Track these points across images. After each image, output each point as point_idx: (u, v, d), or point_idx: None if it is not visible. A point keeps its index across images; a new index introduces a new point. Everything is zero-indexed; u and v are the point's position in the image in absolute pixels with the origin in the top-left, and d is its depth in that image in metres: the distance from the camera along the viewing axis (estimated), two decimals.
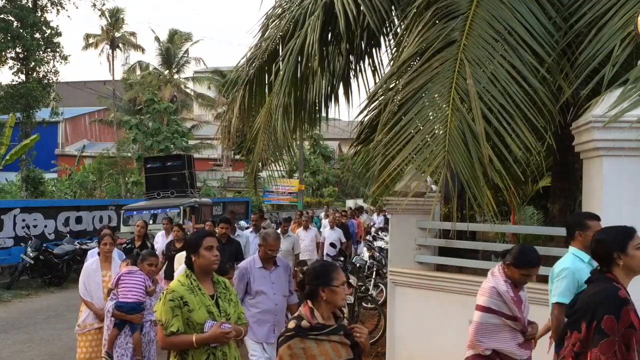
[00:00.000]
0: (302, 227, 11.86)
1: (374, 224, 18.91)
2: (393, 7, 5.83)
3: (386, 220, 18.48)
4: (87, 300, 5.99)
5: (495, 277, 3.77)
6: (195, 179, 16.89)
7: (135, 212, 14.43)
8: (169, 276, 7.82)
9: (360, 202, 31.89)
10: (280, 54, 6.59)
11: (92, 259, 6.19)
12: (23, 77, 22.32)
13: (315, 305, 2.82)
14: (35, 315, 10.40)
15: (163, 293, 3.38)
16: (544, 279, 5.35)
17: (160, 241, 9.43)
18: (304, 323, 2.77)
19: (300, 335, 2.75)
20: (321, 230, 13.98)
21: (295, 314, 2.91)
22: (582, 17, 4.63)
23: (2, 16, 21.21)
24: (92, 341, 5.91)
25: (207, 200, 18.06)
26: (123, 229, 13.90)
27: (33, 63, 21.94)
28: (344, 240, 12.19)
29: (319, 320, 2.79)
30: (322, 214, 19.23)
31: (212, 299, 3.40)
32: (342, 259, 9.84)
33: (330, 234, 12.20)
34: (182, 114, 37.40)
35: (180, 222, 12.60)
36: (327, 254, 10.42)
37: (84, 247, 13.31)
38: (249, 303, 4.99)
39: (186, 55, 39.36)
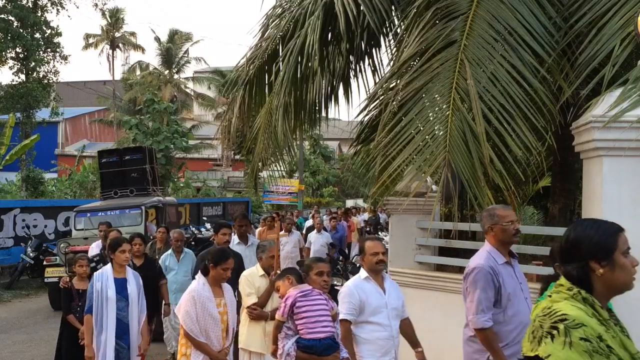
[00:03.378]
0: (283, 231, 9.92)
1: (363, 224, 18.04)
2: (393, 7, 5.83)
3: (376, 221, 18.27)
4: (201, 343, 4.27)
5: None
6: (158, 174, 14.77)
7: (89, 214, 12.29)
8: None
9: (360, 202, 31.90)
10: (280, 54, 6.59)
11: (200, 280, 4.42)
12: (23, 77, 22.30)
13: None
14: (35, 315, 10.41)
15: (560, 327, 1.84)
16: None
17: (95, 252, 7.77)
18: None
19: None
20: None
21: None
22: (582, 17, 4.63)
23: (2, 16, 21.19)
24: None
25: (171, 199, 15.86)
26: (75, 233, 12.08)
27: (33, 63, 21.92)
28: (332, 243, 10.99)
29: None
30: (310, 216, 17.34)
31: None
32: (342, 259, 9.85)
33: (317, 239, 10.95)
34: (182, 114, 37.40)
35: (142, 224, 11.79)
36: (327, 254, 10.39)
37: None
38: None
39: (186, 55, 39.40)
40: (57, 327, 6.61)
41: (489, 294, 3.62)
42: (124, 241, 5.38)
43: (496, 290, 3.63)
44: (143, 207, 12.11)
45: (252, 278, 5.02)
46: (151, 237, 11.34)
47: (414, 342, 4.31)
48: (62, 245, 11.14)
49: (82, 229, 11.87)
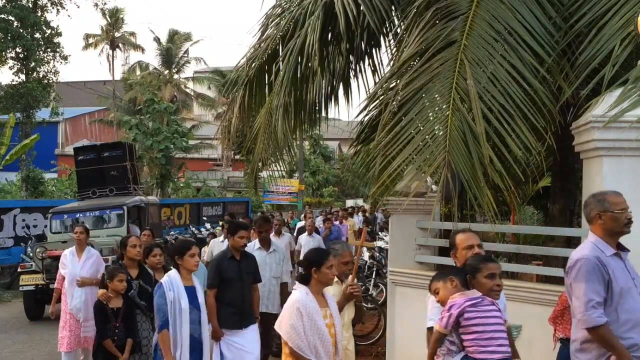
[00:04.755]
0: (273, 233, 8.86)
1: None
2: (393, 7, 5.83)
3: (367, 220, 17.89)
4: None
5: None
6: (138, 172, 13.83)
7: (66, 216, 11.53)
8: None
9: (360, 202, 31.91)
10: (280, 54, 6.59)
11: (302, 290, 3.76)
12: (23, 77, 22.32)
13: None
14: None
15: None
16: (545, 279, 5.37)
17: (69, 261, 6.72)
18: None
19: None
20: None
21: None
22: (582, 17, 4.63)
23: (2, 16, 21.21)
24: None
25: (154, 199, 14.76)
26: (51, 236, 11.23)
27: (33, 63, 21.94)
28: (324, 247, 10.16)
29: None
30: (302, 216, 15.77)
31: None
32: None
33: (307, 242, 10.17)
34: (182, 114, 37.40)
35: (124, 226, 11.11)
36: None
37: None
38: None
39: (186, 55, 39.44)
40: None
41: (598, 287, 3.18)
42: (193, 244, 4.78)
43: (605, 284, 3.21)
44: (125, 208, 11.31)
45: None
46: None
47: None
48: (37, 250, 10.15)
49: (59, 232, 11.08)
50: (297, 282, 3.85)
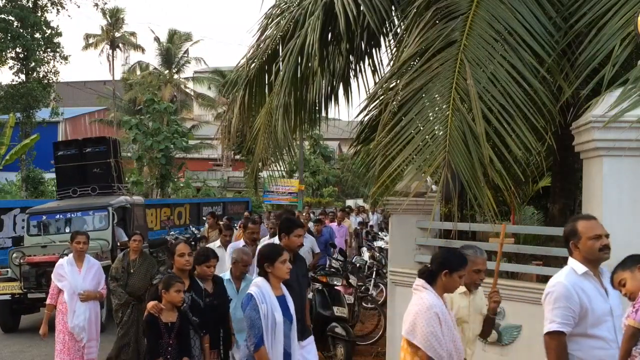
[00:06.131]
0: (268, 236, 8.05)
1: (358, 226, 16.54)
2: (393, 7, 5.83)
3: (362, 222, 17.56)
4: None
5: None
6: (123, 170, 12.57)
7: (44, 216, 10.24)
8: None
9: (360, 202, 31.91)
10: (280, 54, 6.59)
11: (432, 293, 3.40)
12: (23, 77, 22.35)
13: None
14: (35, 314, 10.40)
15: None
16: (545, 279, 5.36)
17: (68, 272, 5.93)
18: None
19: None
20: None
21: None
22: (582, 17, 4.63)
23: (2, 16, 21.24)
24: None
25: (139, 199, 13.53)
26: (28, 239, 10.04)
27: (33, 63, 21.98)
28: (317, 250, 9.10)
29: None
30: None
31: None
32: (341, 259, 9.84)
33: None
34: (182, 114, 37.44)
35: (109, 229, 10.06)
36: (328, 255, 10.38)
37: None
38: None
39: (186, 55, 39.46)
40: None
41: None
42: (284, 249, 4.17)
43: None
44: (110, 209, 10.26)
45: (451, 295, 3.76)
46: (118, 245, 10.03)
47: None
48: (14, 255, 9.18)
49: (37, 234, 9.96)
50: (421, 285, 3.44)
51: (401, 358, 3.51)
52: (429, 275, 3.44)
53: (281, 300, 4.02)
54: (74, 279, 5.90)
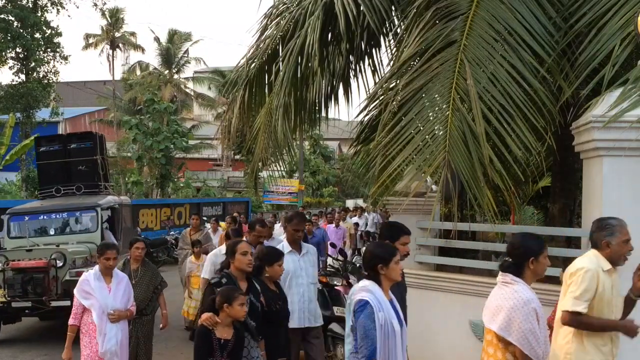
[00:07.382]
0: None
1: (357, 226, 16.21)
2: (393, 7, 5.83)
3: (356, 224, 17.35)
4: None
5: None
6: (108, 168, 11.74)
7: (27, 217, 9.39)
8: None
9: (360, 202, 31.91)
10: (280, 54, 6.59)
11: (526, 286, 3.29)
12: (23, 77, 22.36)
13: None
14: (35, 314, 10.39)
15: None
16: (545, 279, 5.36)
17: (96, 289, 5.19)
18: None
19: None
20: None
21: None
22: (582, 17, 4.63)
23: (2, 16, 21.24)
24: None
25: (126, 199, 12.71)
26: (9, 242, 9.20)
27: (33, 63, 21.98)
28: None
29: None
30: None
31: None
32: (341, 259, 9.83)
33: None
34: (182, 114, 37.43)
35: (97, 231, 9.25)
36: (328, 255, 10.37)
37: None
38: None
39: (186, 55, 39.42)
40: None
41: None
42: (396, 249, 3.70)
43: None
44: (99, 209, 9.41)
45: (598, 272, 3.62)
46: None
47: None
48: None
49: (20, 237, 9.15)
50: (510, 279, 3.29)
51: (488, 353, 3.33)
52: (515, 267, 3.30)
53: (392, 305, 3.58)
54: (103, 297, 5.16)
